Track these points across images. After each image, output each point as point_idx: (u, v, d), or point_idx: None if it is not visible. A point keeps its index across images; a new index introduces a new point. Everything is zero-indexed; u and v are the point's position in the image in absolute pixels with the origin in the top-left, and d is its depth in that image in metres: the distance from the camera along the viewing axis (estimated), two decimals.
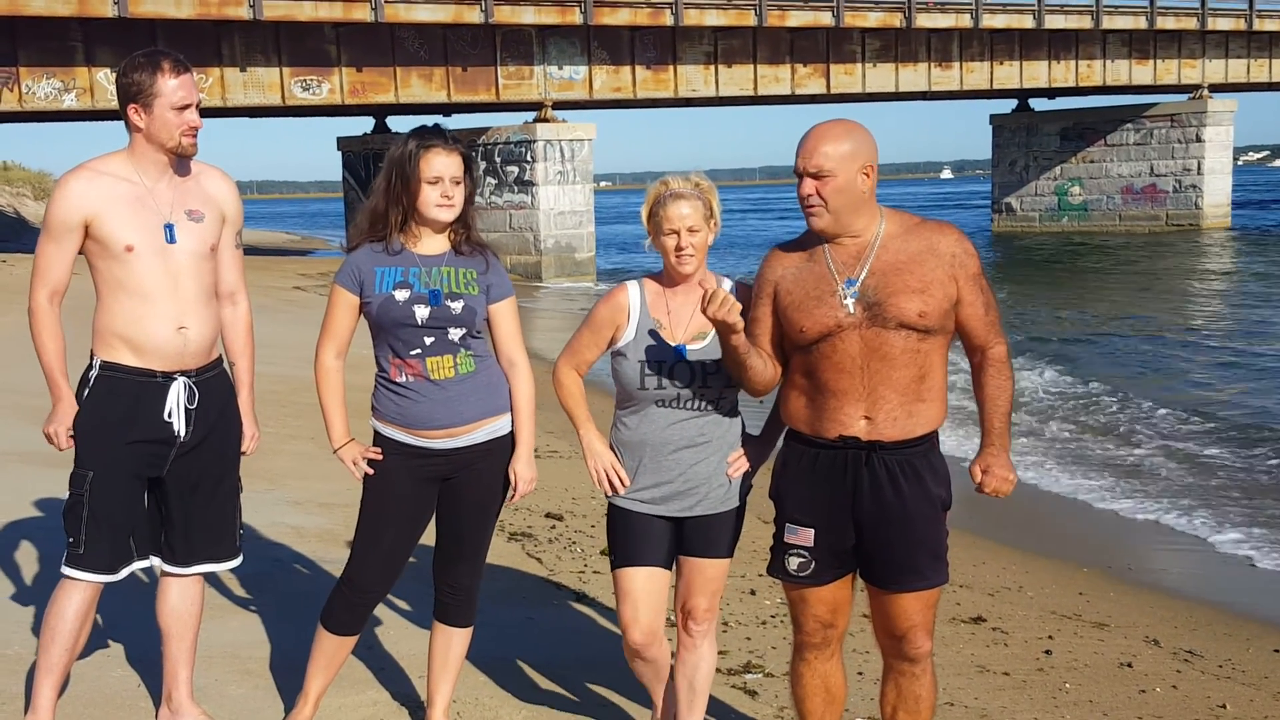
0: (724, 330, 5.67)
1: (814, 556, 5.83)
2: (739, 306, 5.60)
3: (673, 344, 6.06)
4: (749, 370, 5.80)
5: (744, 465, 6.18)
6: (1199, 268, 49.33)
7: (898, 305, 5.53)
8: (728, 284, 6.12)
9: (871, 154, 5.64)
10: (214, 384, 6.33)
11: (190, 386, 6.18)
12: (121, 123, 6.12)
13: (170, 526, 6.38)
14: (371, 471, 6.32)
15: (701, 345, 6.05)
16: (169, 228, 6.05)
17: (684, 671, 6.39)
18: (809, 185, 5.61)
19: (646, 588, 6.23)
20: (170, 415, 6.14)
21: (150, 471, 6.23)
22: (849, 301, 5.59)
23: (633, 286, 6.24)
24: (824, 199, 5.60)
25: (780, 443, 6.08)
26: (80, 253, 6.06)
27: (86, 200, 5.96)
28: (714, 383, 6.04)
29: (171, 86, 5.97)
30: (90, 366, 6.13)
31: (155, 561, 6.45)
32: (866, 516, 5.72)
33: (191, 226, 6.13)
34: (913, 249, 5.63)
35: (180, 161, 6.17)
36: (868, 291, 5.58)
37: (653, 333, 6.11)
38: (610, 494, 6.26)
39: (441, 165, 6.10)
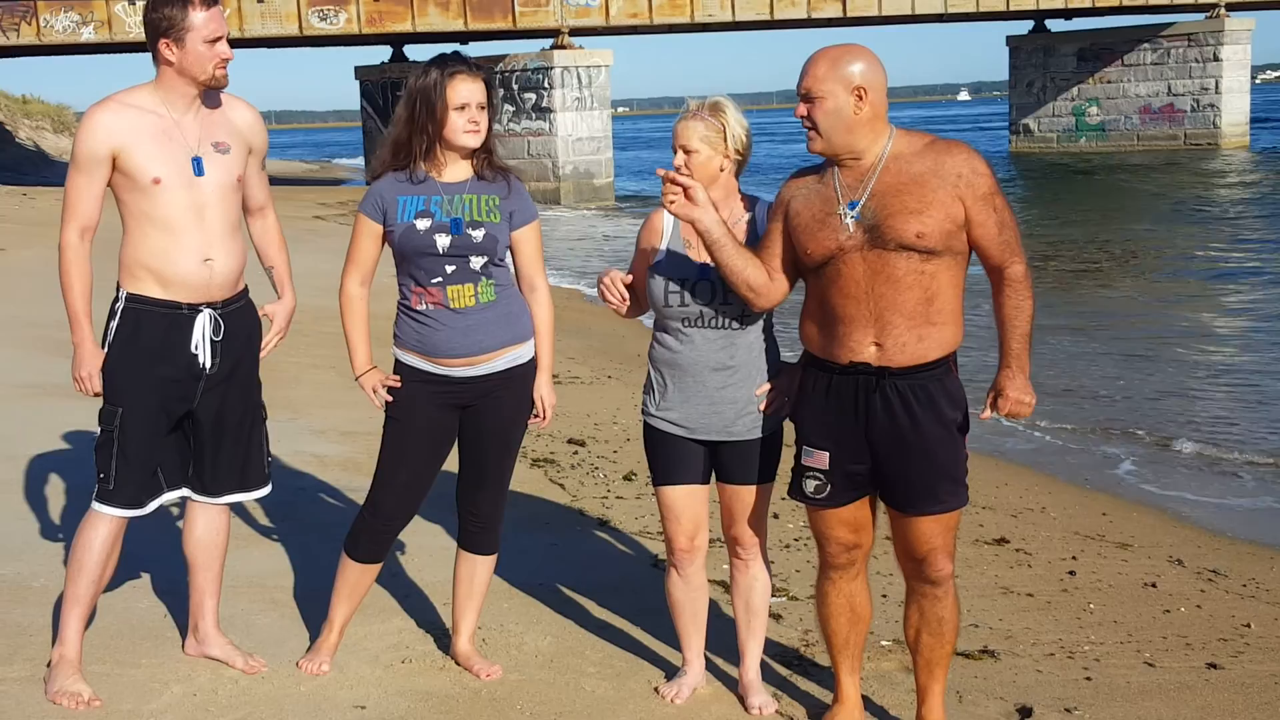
0: (685, 220, 5.82)
1: (829, 479, 5.83)
2: (696, 201, 5.73)
3: (697, 262, 6.07)
4: (725, 269, 5.82)
5: (776, 397, 6.15)
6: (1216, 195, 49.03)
7: (895, 226, 5.47)
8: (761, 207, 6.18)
9: (869, 77, 5.56)
10: (239, 315, 6.33)
11: (216, 319, 6.19)
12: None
13: (199, 458, 6.41)
14: (391, 399, 6.34)
15: None
16: (197, 161, 6.05)
17: (739, 594, 6.47)
18: (801, 108, 5.63)
19: (686, 502, 6.31)
20: (196, 347, 6.15)
21: (180, 407, 6.25)
22: (849, 223, 5.56)
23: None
24: (814, 121, 5.59)
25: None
26: (107, 186, 6.06)
27: (114, 133, 5.96)
28: (734, 299, 6.00)
29: (202, 20, 5.95)
30: (116, 298, 6.13)
31: (183, 493, 6.47)
32: (880, 441, 5.70)
33: (219, 159, 6.13)
34: (916, 170, 5.55)
35: (208, 94, 6.16)
36: (867, 213, 5.54)
37: (679, 251, 6.15)
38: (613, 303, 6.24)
39: (467, 91, 6.08)
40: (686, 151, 6.04)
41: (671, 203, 5.79)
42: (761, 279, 5.84)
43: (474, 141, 6.16)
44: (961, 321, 5.72)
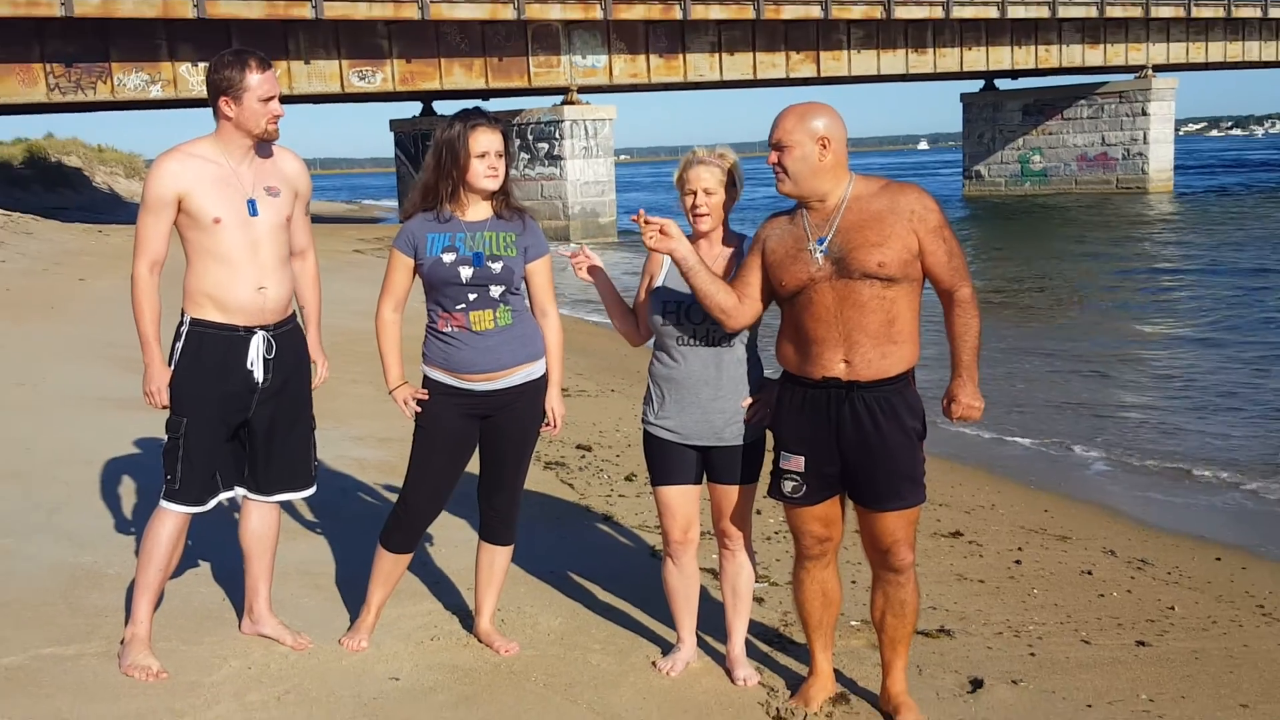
0: (663, 252, 5.97)
1: (805, 480, 5.87)
2: (671, 235, 5.87)
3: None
4: (699, 292, 5.91)
5: (759, 409, 6.17)
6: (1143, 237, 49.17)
7: (859, 258, 5.54)
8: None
9: (831, 130, 5.64)
10: (289, 336, 6.38)
11: (269, 339, 6.24)
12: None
13: (253, 461, 6.44)
14: (419, 410, 6.38)
15: None
16: (251, 203, 6.12)
17: (727, 579, 6.52)
18: (773, 156, 5.70)
19: (680, 500, 6.35)
20: (252, 364, 6.20)
21: (237, 417, 6.29)
22: (819, 257, 5.62)
23: None
24: (784, 167, 5.67)
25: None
26: (173, 225, 6.11)
27: (179, 179, 6.02)
28: None
29: (258, 81, 6.04)
30: (182, 322, 6.19)
31: (239, 492, 6.50)
32: (849, 447, 5.74)
33: (270, 201, 6.19)
34: (875, 208, 5.62)
35: (260, 145, 6.22)
36: (834, 248, 5.61)
37: (676, 279, 6.15)
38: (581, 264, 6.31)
39: (486, 141, 6.14)
40: (707, 193, 6.09)
41: (651, 238, 5.89)
42: (731, 302, 5.89)
43: (493, 185, 6.20)
44: (918, 340, 5.79)
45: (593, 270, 6.33)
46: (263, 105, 6.06)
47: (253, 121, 6.07)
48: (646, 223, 5.88)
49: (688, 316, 6.11)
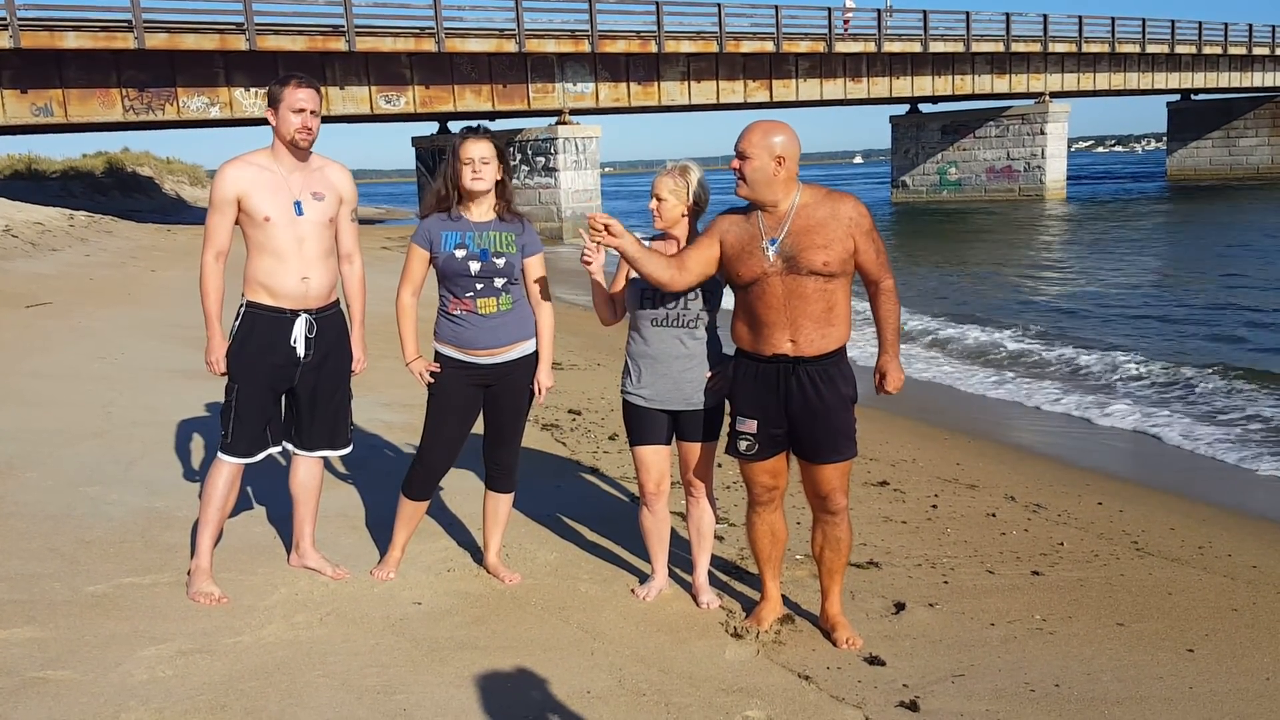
0: (611, 247, 5.89)
1: (757, 440, 5.90)
2: (615, 233, 5.75)
3: None
4: (641, 272, 5.88)
5: (719, 380, 6.20)
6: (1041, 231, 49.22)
7: (807, 258, 5.56)
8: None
9: (786, 148, 5.61)
10: (330, 320, 6.39)
11: (311, 321, 6.26)
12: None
13: (299, 422, 6.47)
14: (432, 380, 6.39)
15: None
16: (297, 204, 6.14)
17: (692, 521, 6.57)
18: (736, 162, 5.68)
19: (654, 458, 6.36)
20: (295, 341, 6.22)
21: (283, 385, 6.32)
22: (771, 254, 5.63)
23: (644, 241, 6.29)
24: (743, 174, 5.65)
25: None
26: (235, 223, 6.14)
27: (238, 183, 6.05)
28: (692, 305, 6.09)
29: (292, 94, 6.06)
30: (240, 304, 6.23)
31: (287, 447, 6.53)
32: (795, 411, 5.77)
33: (315, 204, 6.20)
34: (820, 215, 5.63)
35: (310, 156, 6.25)
36: (785, 248, 5.61)
37: None
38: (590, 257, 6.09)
39: (472, 149, 6.15)
40: (659, 199, 6.12)
41: (597, 240, 5.82)
42: (667, 275, 5.86)
43: (478, 187, 6.20)
44: (850, 322, 5.82)
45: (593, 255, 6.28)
46: (294, 115, 6.07)
47: (284, 128, 6.09)
48: (604, 227, 5.80)
49: (660, 300, 6.11)
